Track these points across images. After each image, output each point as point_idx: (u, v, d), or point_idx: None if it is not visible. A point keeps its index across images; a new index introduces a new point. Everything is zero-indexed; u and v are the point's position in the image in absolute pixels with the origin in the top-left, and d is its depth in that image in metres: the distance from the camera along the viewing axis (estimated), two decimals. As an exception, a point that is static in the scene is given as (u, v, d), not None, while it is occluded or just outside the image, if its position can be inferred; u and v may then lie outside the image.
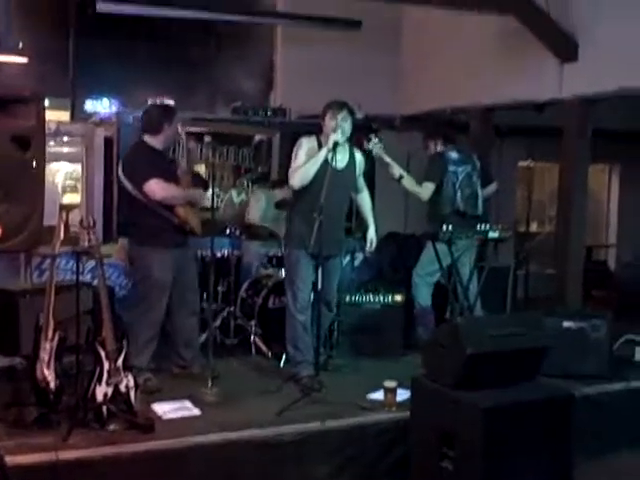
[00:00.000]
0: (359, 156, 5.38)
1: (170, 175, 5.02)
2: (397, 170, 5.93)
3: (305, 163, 5.03)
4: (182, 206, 5.00)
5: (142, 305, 4.99)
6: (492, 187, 6.47)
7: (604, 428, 5.05)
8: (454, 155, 6.02)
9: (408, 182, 5.97)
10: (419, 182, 5.98)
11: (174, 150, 6.25)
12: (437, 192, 5.94)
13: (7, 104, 4.67)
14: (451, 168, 5.95)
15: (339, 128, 5.03)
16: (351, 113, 5.17)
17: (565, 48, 6.45)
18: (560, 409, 4.23)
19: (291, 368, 5.20)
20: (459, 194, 5.92)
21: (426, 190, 5.95)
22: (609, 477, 4.83)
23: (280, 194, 6.61)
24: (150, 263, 4.93)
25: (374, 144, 5.79)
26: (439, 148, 6.15)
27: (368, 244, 5.43)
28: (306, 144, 5.13)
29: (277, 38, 8.32)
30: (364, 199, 5.51)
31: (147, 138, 5.08)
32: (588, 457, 4.78)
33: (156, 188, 4.86)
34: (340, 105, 5.15)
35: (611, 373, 5.33)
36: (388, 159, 5.88)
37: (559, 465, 4.16)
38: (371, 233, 5.43)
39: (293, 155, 5.15)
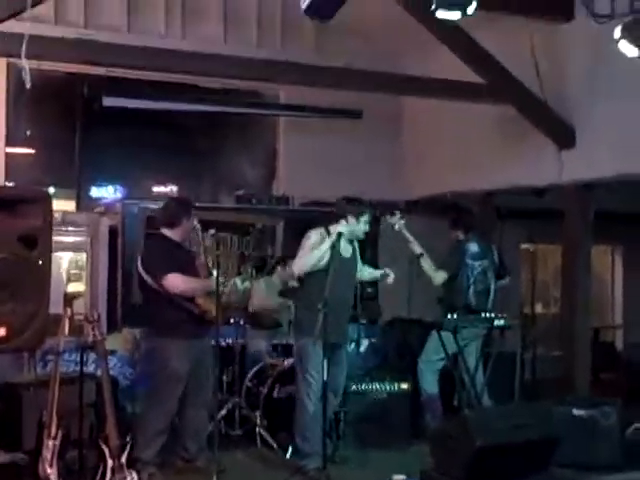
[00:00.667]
0: (356, 243, 5.52)
1: (189, 267, 5.10)
2: (417, 248, 5.99)
3: (309, 253, 5.14)
4: (201, 296, 5.03)
5: (156, 396, 4.99)
6: (505, 281, 6.45)
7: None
8: (474, 248, 6.08)
9: (426, 263, 6.02)
10: (436, 266, 6.01)
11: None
12: (451, 282, 5.97)
13: (14, 204, 4.74)
14: (468, 261, 6.01)
15: (358, 228, 5.24)
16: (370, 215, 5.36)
17: (563, 135, 6.56)
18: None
19: (299, 460, 5.13)
20: (472, 289, 5.97)
21: (439, 277, 5.99)
22: None
23: (278, 278, 6.65)
24: (169, 355, 4.95)
25: (397, 220, 5.87)
26: (460, 237, 6.20)
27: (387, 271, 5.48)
28: (314, 236, 5.25)
29: (280, 127, 8.47)
30: (364, 270, 5.63)
31: (165, 231, 5.18)
32: None
33: (176, 282, 4.92)
34: (365, 208, 5.32)
35: (623, 462, 5.22)
36: (409, 236, 5.95)
37: None
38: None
39: (301, 246, 5.27)
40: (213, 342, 5.13)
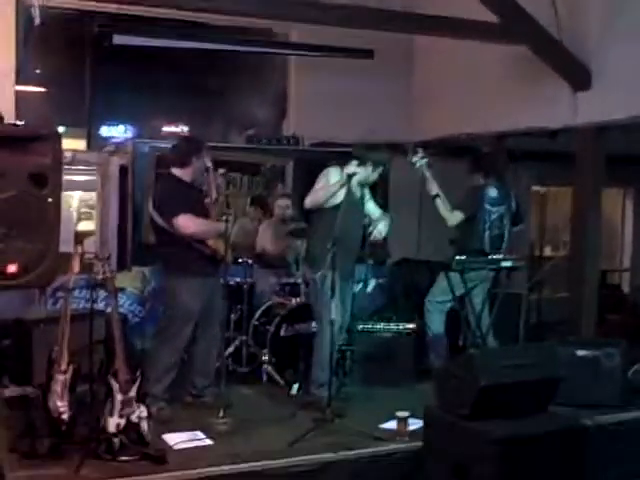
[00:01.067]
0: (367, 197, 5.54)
1: (199, 208, 5.09)
2: (435, 188, 5.93)
3: (321, 189, 5.18)
4: (212, 238, 5.06)
5: (167, 332, 5.06)
6: (518, 228, 6.36)
7: (619, 457, 4.99)
8: (493, 193, 6.02)
9: (441, 203, 5.95)
10: (452, 207, 5.97)
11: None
12: (468, 226, 5.94)
13: (24, 142, 4.75)
14: (486, 206, 5.96)
15: (370, 176, 5.25)
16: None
17: (578, 77, 6.45)
18: (574, 440, 4.20)
19: (314, 389, 5.26)
20: (487, 234, 5.94)
21: (454, 218, 5.92)
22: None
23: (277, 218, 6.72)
24: (180, 293, 5.00)
25: (419, 158, 5.82)
26: (480, 181, 6.14)
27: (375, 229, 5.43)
28: (333, 173, 5.25)
29: (290, 67, 8.37)
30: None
31: (175, 171, 5.17)
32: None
33: (186, 223, 4.93)
34: (383, 159, 5.32)
35: (625, 401, 5.29)
36: (429, 175, 5.90)
37: (573, 496, 4.13)
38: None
39: (317, 180, 5.29)
40: (222, 281, 5.22)
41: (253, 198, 7.47)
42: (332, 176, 5.24)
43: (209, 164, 5.21)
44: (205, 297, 5.08)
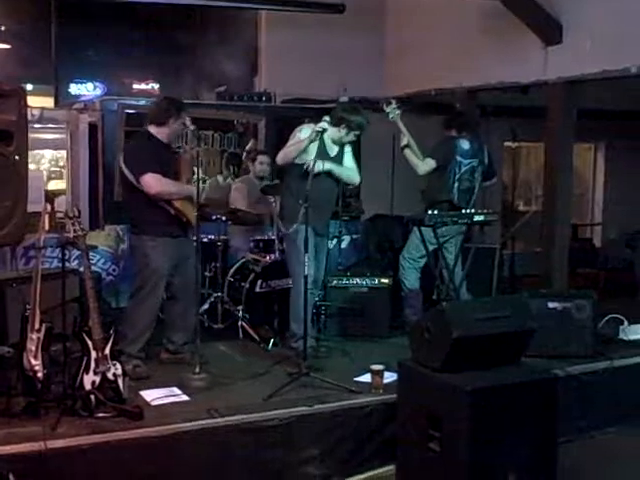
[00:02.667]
0: (348, 149, 5.47)
1: (170, 169, 5.01)
2: (406, 138, 5.93)
3: (293, 144, 5.13)
4: (179, 200, 5.00)
5: (141, 293, 5.02)
6: (490, 182, 6.42)
7: (589, 407, 5.11)
8: (465, 146, 6.02)
9: (411, 153, 5.96)
10: (423, 157, 5.97)
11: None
12: (437, 176, 5.94)
13: (-12, 99, 4.64)
14: (458, 158, 5.95)
15: (344, 138, 5.19)
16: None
17: (549, 31, 6.47)
18: (544, 390, 4.26)
19: (292, 343, 5.29)
20: (456, 185, 5.94)
21: (425, 165, 5.94)
22: (595, 454, 4.89)
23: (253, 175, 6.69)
24: (148, 252, 4.96)
25: (392, 108, 5.80)
26: (453, 134, 6.14)
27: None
28: (306, 129, 5.18)
29: (261, 22, 8.28)
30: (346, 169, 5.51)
31: (152, 129, 5.07)
32: (574, 435, 4.87)
33: (152, 182, 4.85)
34: (361, 126, 5.23)
35: (595, 352, 5.38)
36: (401, 125, 5.90)
37: (544, 445, 4.20)
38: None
39: (290, 137, 5.24)
40: (194, 238, 5.18)
41: (228, 158, 7.39)
42: (303, 132, 5.19)
43: (191, 127, 5.10)
44: (175, 257, 5.04)
